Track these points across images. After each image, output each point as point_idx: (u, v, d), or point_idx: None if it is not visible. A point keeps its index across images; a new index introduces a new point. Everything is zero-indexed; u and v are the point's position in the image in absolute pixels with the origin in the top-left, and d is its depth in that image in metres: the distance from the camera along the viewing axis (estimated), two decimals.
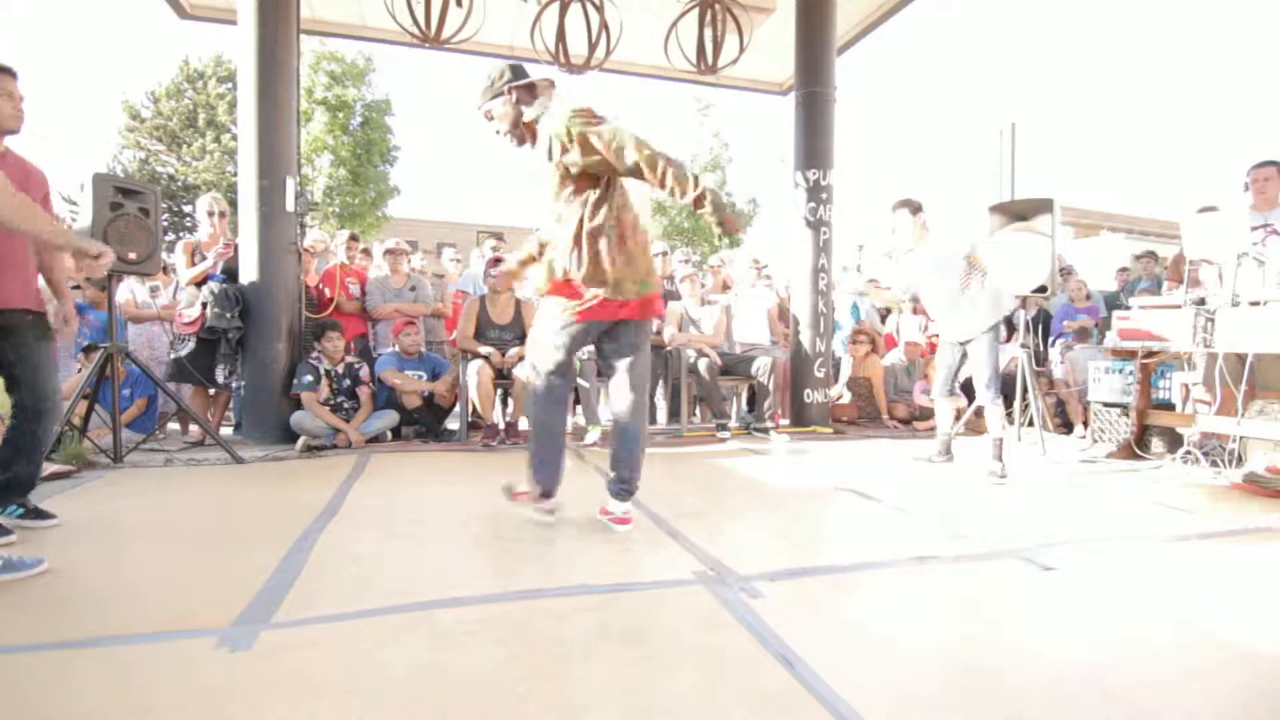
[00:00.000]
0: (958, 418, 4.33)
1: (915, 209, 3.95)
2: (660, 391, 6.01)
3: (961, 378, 4.10)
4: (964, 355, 3.95)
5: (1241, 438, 3.67)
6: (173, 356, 4.73)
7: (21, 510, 2.48)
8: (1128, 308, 4.21)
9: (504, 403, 5.05)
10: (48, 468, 2.98)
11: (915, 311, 6.27)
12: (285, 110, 4.65)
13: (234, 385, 4.81)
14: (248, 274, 4.62)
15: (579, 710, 1.27)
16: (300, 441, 4.27)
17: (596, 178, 2.28)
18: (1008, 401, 4.91)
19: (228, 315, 4.51)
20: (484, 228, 29.20)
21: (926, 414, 5.38)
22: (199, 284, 4.76)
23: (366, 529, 2.51)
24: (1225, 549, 2.37)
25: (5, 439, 2.45)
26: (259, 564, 2.06)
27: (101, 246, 2.25)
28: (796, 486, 3.42)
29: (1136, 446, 4.13)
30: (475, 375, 4.50)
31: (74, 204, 2.76)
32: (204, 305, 4.61)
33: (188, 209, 21.34)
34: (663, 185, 2.14)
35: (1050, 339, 6.00)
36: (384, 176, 19.09)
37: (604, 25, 5.20)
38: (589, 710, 1.27)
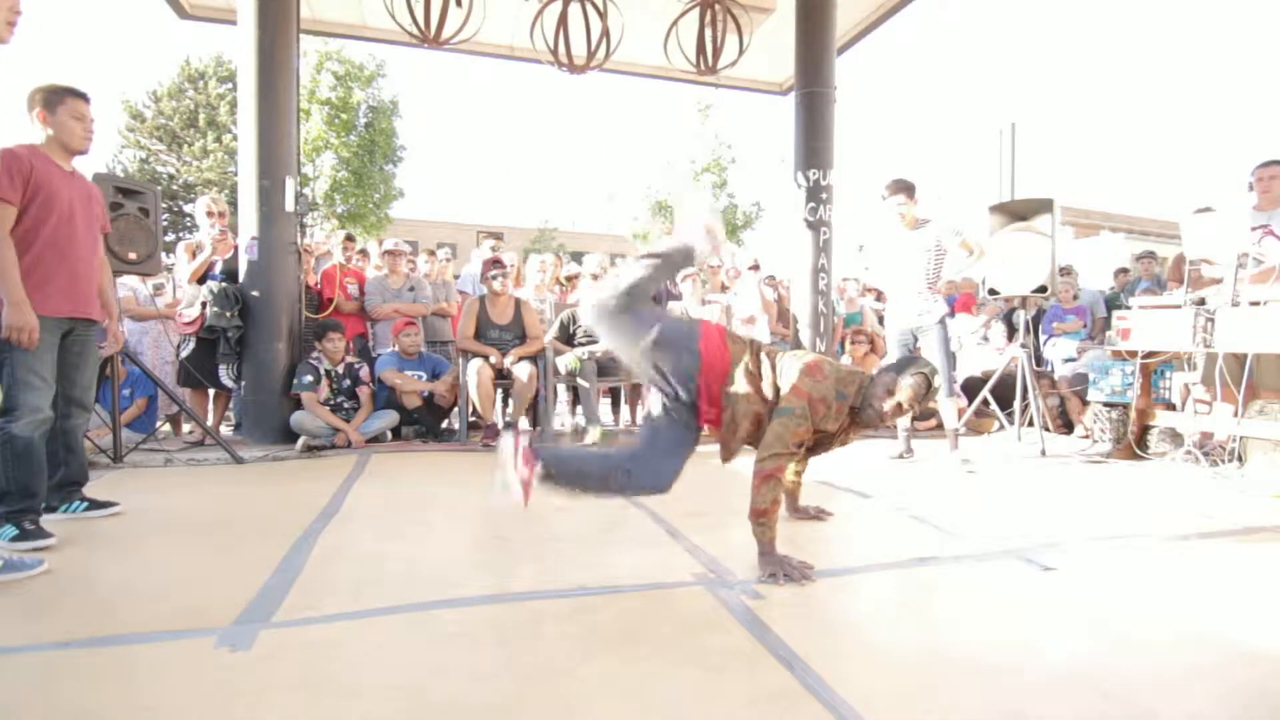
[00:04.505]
0: (958, 417, 4.34)
1: (911, 191, 4.10)
2: None
3: (960, 378, 4.17)
4: (912, 352, 4.15)
5: (1241, 438, 3.67)
6: (178, 358, 4.74)
7: (85, 504, 2.67)
8: (1128, 307, 4.21)
9: (504, 403, 5.06)
10: None
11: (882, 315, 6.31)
12: (285, 110, 4.65)
13: (235, 385, 4.82)
14: (246, 274, 4.62)
15: (579, 710, 1.27)
16: (300, 441, 4.27)
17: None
18: (1006, 403, 4.93)
19: (227, 314, 4.51)
20: (484, 228, 29.23)
21: (926, 414, 5.38)
22: (200, 280, 4.76)
23: (366, 529, 2.52)
24: (1225, 549, 2.37)
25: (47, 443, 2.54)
26: (259, 564, 2.06)
27: (20, 321, 2.26)
28: None
29: (1137, 446, 4.13)
30: (475, 375, 4.50)
31: None
32: (203, 304, 4.62)
33: (188, 209, 21.36)
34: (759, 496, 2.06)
35: (1043, 339, 6.00)
36: (389, 178, 19.05)
37: (605, 32, 5.19)
38: (589, 710, 1.27)
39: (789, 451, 2.05)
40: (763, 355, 2.19)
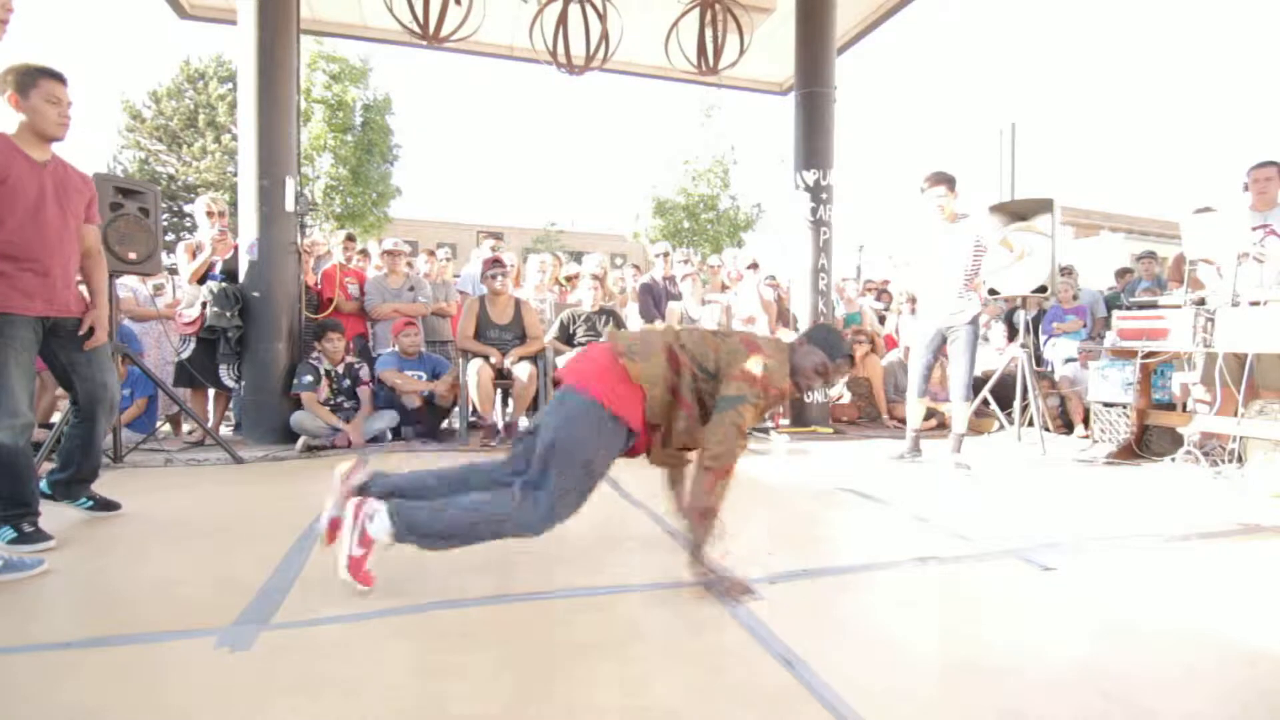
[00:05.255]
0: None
1: (952, 184, 3.92)
2: None
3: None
4: (938, 353, 4.04)
5: (1241, 438, 3.67)
6: (177, 359, 4.74)
7: (91, 502, 2.64)
8: (1129, 307, 4.21)
9: (504, 403, 5.05)
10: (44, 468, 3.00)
11: (914, 312, 6.28)
12: (285, 110, 4.65)
13: (235, 385, 4.82)
14: (247, 274, 4.62)
15: (579, 710, 1.27)
16: (300, 441, 4.27)
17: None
18: (1006, 403, 4.93)
19: (227, 314, 4.51)
20: (484, 228, 29.23)
21: (926, 414, 5.38)
22: (200, 281, 4.76)
23: None
24: (1225, 549, 2.37)
25: (67, 438, 2.57)
26: (259, 564, 2.06)
27: None
28: (797, 486, 3.42)
29: (1136, 446, 4.13)
30: (475, 375, 4.50)
31: None
32: (203, 305, 4.62)
33: (188, 209, 21.37)
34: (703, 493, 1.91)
35: (1044, 339, 6.00)
36: (386, 176, 19.06)
37: (604, 35, 5.19)
38: (589, 710, 1.27)
39: (745, 441, 1.91)
40: (678, 350, 1.96)
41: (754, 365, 1.90)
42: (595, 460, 1.86)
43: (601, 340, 2.02)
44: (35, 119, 2.27)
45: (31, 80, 2.26)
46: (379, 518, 1.76)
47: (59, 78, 2.33)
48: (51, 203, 2.33)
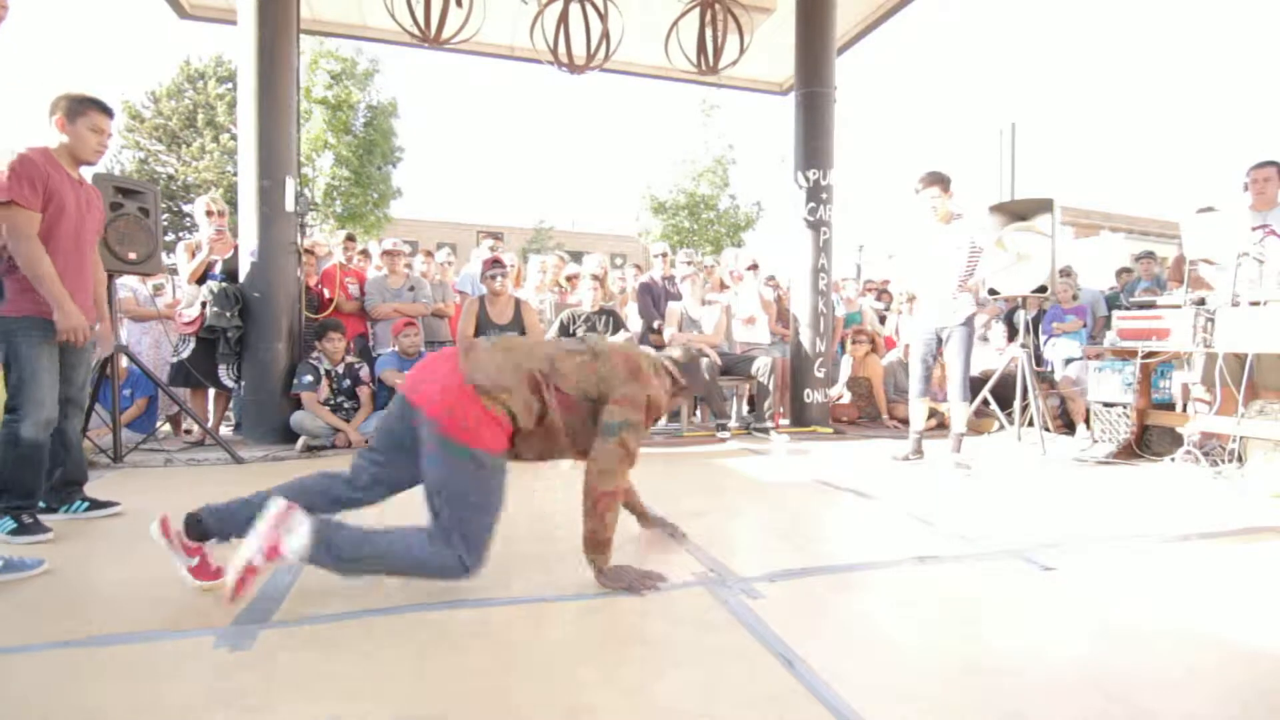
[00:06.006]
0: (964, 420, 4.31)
1: (946, 185, 3.92)
2: None
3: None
4: (936, 353, 4.07)
5: (1241, 438, 3.67)
6: (175, 359, 4.73)
7: (86, 504, 2.68)
8: (1128, 307, 4.21)
9: None
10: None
11: (913, 312, 6.28)
12: (285, 110, 4.65)
13: (234, 385, 4.82)
14: (247, 274, 4.62)
15: (579, 710, 1.27)
16: (300, 441, 4.27)
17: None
18: (1006, 403, 4.92)
19: (227, 314, 4.51)
20: (484, 228, 29.26)
21: (927, 414, 5.38)
22: (199, 281, 4.76)
23: None
24: (1225, 549, 2.37)
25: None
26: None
27: (73, 323, 2.35)
28: (797, 487, 3.42)
29: (1136, 446, 4.13)
30: None
31: None
32: (203, 304, 4.62)
33: (188, 209, 21.37)
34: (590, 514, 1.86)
35: (1044, 339, 6.00)
36: (387, 178, 19.05)
37: (605, 34, 5.19)
38: (589, 710, 1.27)
39: (632, 464, 1.87)
40: (540, 379, 1.84)
41: (635, 390, 1.86)
42: (486, 492, 1.77)
43: (464, 352, 1.85)
44: (76, 144, 2.45)
45: (81, 109, 2.45)
46: (300, 533, 1.62)
47: (107, 111, 2.52)
48: (85, 218, 2.52)
